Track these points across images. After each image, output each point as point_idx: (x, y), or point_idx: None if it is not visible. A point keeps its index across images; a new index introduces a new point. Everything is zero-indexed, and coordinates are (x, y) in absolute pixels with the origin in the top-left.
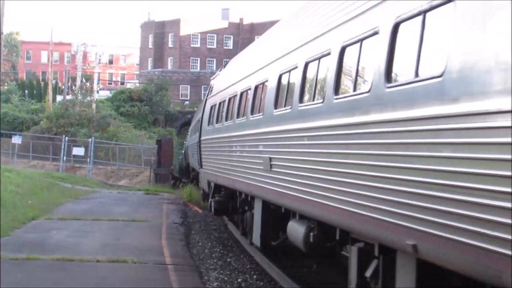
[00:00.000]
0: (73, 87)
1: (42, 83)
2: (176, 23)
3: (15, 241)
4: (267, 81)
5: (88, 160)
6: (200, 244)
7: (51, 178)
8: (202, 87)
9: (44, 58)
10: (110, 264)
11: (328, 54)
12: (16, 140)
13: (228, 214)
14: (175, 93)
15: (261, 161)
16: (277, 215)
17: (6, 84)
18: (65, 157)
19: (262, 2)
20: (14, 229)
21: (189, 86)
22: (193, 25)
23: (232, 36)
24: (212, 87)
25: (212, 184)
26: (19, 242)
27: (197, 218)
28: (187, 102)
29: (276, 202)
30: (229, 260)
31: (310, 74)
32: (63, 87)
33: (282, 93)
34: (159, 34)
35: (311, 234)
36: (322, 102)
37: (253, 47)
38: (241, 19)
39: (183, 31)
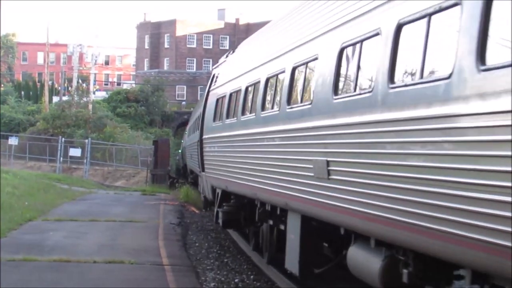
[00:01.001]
0: (70, 88)
1: (38, 84)
2: (172, 23)
3: (12, 242)
4: (316, 58)
5: (85, 161)
6: (197, 244)
7: (47, 179)
8: (199, 87)
9: (40, 59)
10: (107, 265)
11: None
12: (13, 141)
13: (240, 227)
14: (171, 93)
15: (310, 166)
16: (318, 234)
17: (2, 85)
18: (61, 158)
19: (258, 2)
20: (10, 230)
21: (185, 87)
22: (189, 26)
23: (228, 37)
24: (217, 77)
25: (219, 191)
26: (16, 243)
27: (194, 219)
28: (183, 103)
29: (330, 219)
30: (226, 260)
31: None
32: (59, 88)
33: (351, 71)
34: (155, 34)
35: (405, 271)
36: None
37: (287, 20)
38: (237, 19)
39: (179, 32)
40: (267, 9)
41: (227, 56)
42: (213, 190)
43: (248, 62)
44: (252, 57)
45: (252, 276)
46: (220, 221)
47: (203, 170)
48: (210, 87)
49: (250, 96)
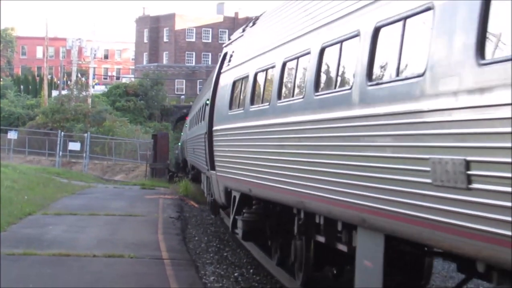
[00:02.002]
0: (69, 82)
1: (37, 78)
2: (171, 17)
3: (11, 236)
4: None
5: (84, 155)
6: (196, 238)
7: (47, 174)
8: (198, 81)
9: (39, 54)
10: (106, 259)
11: None
12: (12, 135)
13: (264, 240)
14: (170, 87)
15: (427, 168)
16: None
17: (1, 79)
18: (61, 152)
19: None
20: (10, 224)
21: (184, 81)
22: (188, 20)
23: (227, 30)
24: (232, 55)
25: (236, 195)
26: (15, 237)
27: (193, 213)
28: (182, 97)
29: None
30: (225, 254)
31: None
32: (58, 82)
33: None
34: (154, 28)
35: None
36: None
37: None
38: (236, 13)
39: (178, 26)
40: (266, 3)
41: (244, 30)
42: (227, 193)
43: (287, 30)
44: (293, 23)
45: (251, 270)
46: (239, 231)
47: (212, 168)
48: (221, 68)
49: (292, 75)
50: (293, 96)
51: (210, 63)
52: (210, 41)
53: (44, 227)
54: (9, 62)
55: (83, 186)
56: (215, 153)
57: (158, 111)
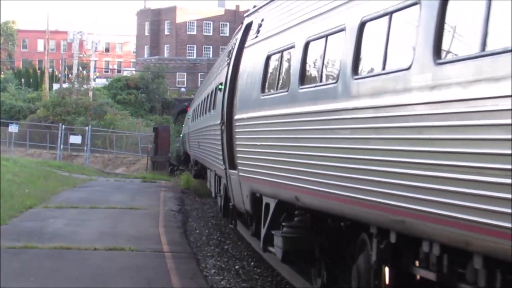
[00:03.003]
0: (70, 75)
1: (38, 71)
2: (172, 10)
3: (12, 229)
4: None
5: (85, 148)
6: (197, 231)
7: (48, 167)
8: (199, 74)
9: (40, 47)
10: (107, 252)
11: None
12: (13, 128)
13: (311, 261)
14: (171, 80)
15: None
16: None
17: (2, 73)
18: (62, 146)
19: None
20: (11, 217)
21: (185, 74)
22: (189, 13)
23: (228, 23)
24: (260, 25)
25: (270, 203)
26: (16, 230)
27: (194, 206)
28: (183, 89)
29: None
30: (226, 247)
31: None
32: (59, 75)
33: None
34: (155, 21)
35: None
36: None
37: None
38: (237, 6)
39: (179, 19)
40: None
41: None
42: (255, 199)
43: None
44: None
45: (252, 263)
46: (276, 251)
47: (232, 166)
48: (244, 43)
49: (381, 38)
50: (384, 68)
51: (211, 56)
52: (211, 34)
53: (45, 220)
54: (10, 55)
55: (84, 179)
56: (237, 148)
57: (159, 104)
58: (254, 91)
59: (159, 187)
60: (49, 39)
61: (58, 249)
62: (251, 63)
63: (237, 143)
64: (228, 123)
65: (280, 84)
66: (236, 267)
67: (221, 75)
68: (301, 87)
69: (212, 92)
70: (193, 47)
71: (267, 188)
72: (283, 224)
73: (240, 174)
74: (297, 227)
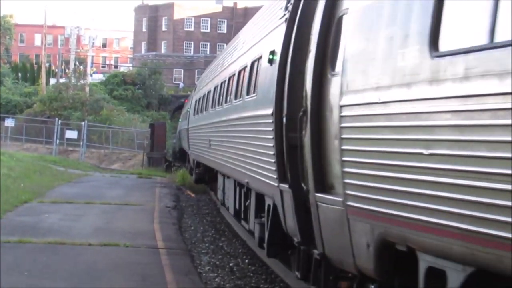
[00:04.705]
0: (67, 70)
1: (35, 66)
2: (169, 6)
3: (7, 224)
4: None
5: (81, 143)
6: (192, 228)
7: (43, 161)
8: (196, 71)
9: (37, 41)
10: (102, 248)
11: None
12: (9, 123)
13: None
14: (168, 77)
15: None
16: None
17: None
18: (58, 140)
19: None
20: (6, 212)
21: (182, 70)
22: (186, 9)
23: (226, 20)
24: None
25: (451, 274)
26: (11, 225)
27: (190, 202)
28: (181, 84)
29: None
30: (221, 244)
31: None
32: (56, 70)
33: None
34: (152, 17)
35: None
36: None
37: None
38: (235, 3)
39: (177, 15)
40: None
41: None
42: (390, 252)
43: None
44: None
45: (247, 260)
46: None
47: (321, 187)
48: None
49: None
50: None
51: (208, 53)
52: (208, 30)
53: (40, 215)
54: (7, 49)
55: (79, 175)
56: (345, 157)
57: (156, 100)
58: (409, 49)
59: (154, 183)
60: (46, 33)
61: (53, 244)
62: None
63: (345, 147)
64: (314, 115)
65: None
66: (231, 264)
67: (264, 42)
68: None
69: (242, 71)
70: (191, 43)
71: (437, 240)
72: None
73: (350, 203)
74: None
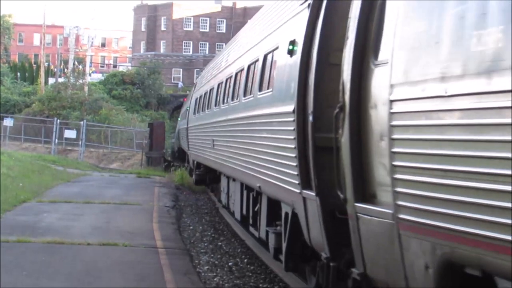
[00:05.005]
0: (66, 69)
1: (34, 65)
2: (169, 6)
3: (5, 223)
4: None
5: (80, 143)
6: (191, 227)
7: (42, 161)
8: (195, 70)
9: (36, 41)
10: (100, 247)
11: None
12: (8, 122)
13: None
14: (167, 76)
15: None
16: None
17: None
18: (56, 140)
19: None
20: (5, 211)
21: (181, 70)
22: (186, 9)
23: (225, 20)
24: None
25: None
26: (9, 224)
27: (189, 202)
28: (180, 84)
29: None
30: (220, 243)
31: None
32: (55, 69)
33: None
34: (152, 17)
35: None
36: None
37: None
38: (234, 3)
39: (176, 15)
40: None
41: None
42: (455, 276)
43: None
44: None
45: (245, 260)
46: None
47: (360, 196)
48: None
49: None
50: None
51: (207, 52)
52: (207, 30)
53: (38, 214)
54: (6, 49)
55: (78, 174)
56: (397, 161)
57: (155, 99)
58: (488, 30)
59: (153, 182)
60: (45, 33)
61: (52, 243)
62: None
63: (397, 150)
64: (353, 111)
65: None
66: (230, 263)
67: (280, 32)
68: None
69: (252, 66)
70: (189, 43)
71: None
72: None
73: (403, 216)
74: None
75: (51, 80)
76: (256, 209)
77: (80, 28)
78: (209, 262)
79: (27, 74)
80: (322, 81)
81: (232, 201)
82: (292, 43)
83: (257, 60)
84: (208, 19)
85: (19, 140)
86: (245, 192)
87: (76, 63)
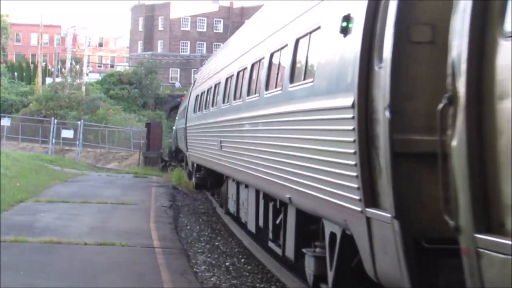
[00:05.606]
0: (63, 69)
1: (31, 65)
2: (166, 6)
3: (2, 223)
4: None
5: (77, 142)
6: (188, 227)
7: (40, 161)
8: (192, 70)
9: (34, 41)
10: (98, 247)
11: None
12: (5, 122)
13: None
14: (165, 76)
15: None
16: None
17: None
18: (54, 140)
19: None
20: (2, 211)
21: (179, 70)
22: (183, 8)
23: (222, 20)
24: None
25: None
26: (7, 224)
27: (186, 202)
28: (177, 84)
29: None
30: (217, 243)
31: None
32: (52, 69)
33: None
34: (149, 17)
35: None
36: None
37: None
38: (232, 3)
39: (173, 14)
40: None
41: None
42: None
43: None
44: None
45: (243, 260)
46: None
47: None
48: None
49: None
50: None
51: (204, 52)
52: (205, 30)
53: (36, 214)
54: (3, 48)
55: (75, 174)
56: None
57: (152, 99)
58: None
59: (150, 182)
60: (42, 33)
61: (49, 243)
62: None
63: None
64: (472, 103)
65: None
66: (227, 263)
67: (323, 8)
68: None
69: (277, 53)
70: (187, 43)
71: None
72: None
73: None
74: None
75: (49, 80)
76: (278, 221)
77: (77, 28)
78: (206, 262)
79: (24, 73)
80: (401, 65)
81: (243, 210)
82: (347, 19)
83: (284, 46)
84: (205, 19)
85: (16, 140)
86: (262, 202)
87: (73, 62)
